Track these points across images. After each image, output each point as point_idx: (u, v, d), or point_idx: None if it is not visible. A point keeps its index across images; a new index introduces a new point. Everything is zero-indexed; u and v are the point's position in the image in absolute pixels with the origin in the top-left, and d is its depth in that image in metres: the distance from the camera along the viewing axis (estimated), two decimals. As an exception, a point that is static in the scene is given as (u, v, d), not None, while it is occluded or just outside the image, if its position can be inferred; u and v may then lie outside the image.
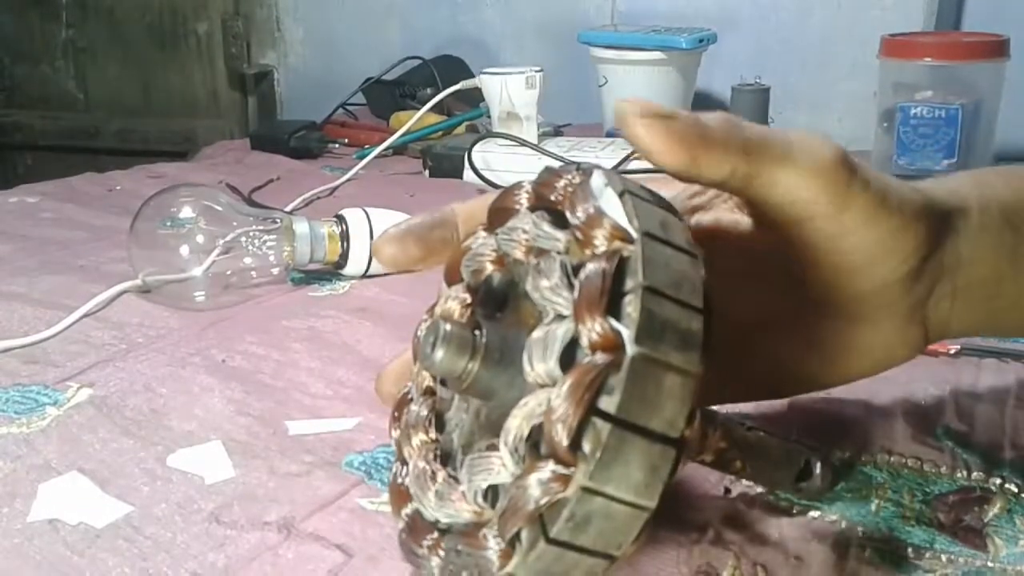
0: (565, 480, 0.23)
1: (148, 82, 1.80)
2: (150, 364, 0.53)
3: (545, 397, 0.24)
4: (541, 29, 1.44)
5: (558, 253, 0.26)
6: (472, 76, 1.09)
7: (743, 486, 0.39)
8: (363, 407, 0.47)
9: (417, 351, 0.33)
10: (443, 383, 0.32)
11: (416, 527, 0.29)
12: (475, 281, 0.31)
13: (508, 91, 0.99)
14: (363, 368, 0.52)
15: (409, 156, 1.11)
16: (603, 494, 0.23)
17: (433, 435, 0.31)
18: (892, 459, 0.41)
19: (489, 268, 0.30)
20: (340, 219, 0.67)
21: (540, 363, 0.24)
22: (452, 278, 0.33)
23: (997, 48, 0.93)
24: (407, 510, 0.30)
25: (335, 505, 0.38)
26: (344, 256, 0.66)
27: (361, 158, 1.02)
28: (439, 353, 0.27)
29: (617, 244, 0.24)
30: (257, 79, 1.70)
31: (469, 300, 0.31)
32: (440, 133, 1.14)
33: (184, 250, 0.63)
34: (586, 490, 0.23)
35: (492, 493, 0.26)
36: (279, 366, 0.53)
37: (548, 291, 0.25)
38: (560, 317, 0.25)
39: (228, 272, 0.64)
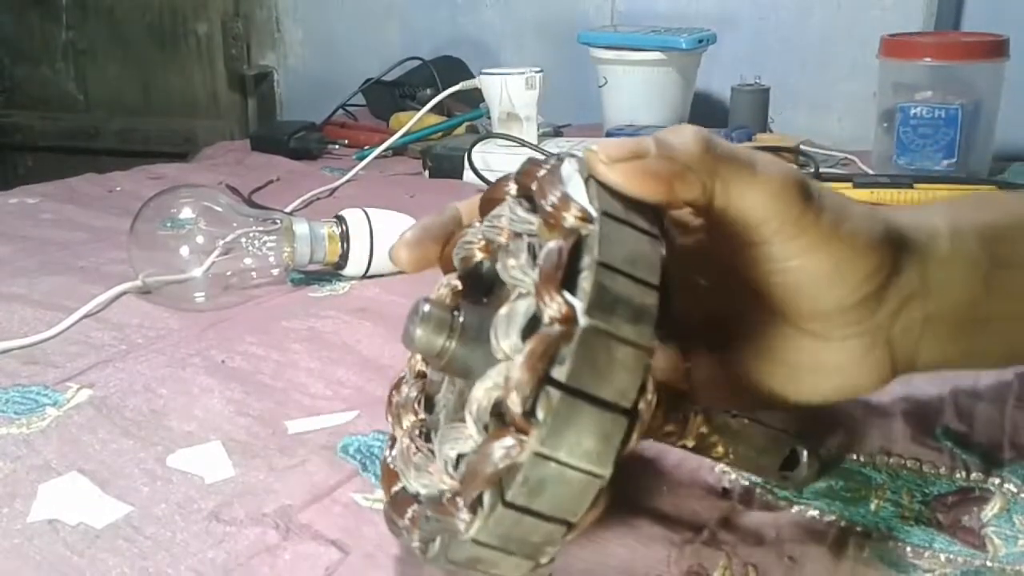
0: (522, 446, 0.24)
1: (148, 83, 1.80)
2: (150, 365, 0.53)
3: (506, 368, 0.25)
4: (541, 29, 1.44)
5: (529, 235, 0.28)
6: (472, 77, 1.09)
7: (741, 486, 0.39)
8: (363, 407, 0.47)
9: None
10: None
11: (399, 500, 0.30)
12: (464, 268, 0.32)
13: (508, 91, 0.99)
14: (363, 368, 0.52)
15: (409, 157, 1.11)
16: (555, 459, 0.23)
17: (422, 415, 0.32)
18: (891, 460, 0.41)
19: (478, 255, 0.32)
20: (340, 220, 0.67)
21: (504, 338, 0.25)
22: (447, 267, 0.34)
23: (997, 48, 0.93)
24: (395, 488, 0.31)
25: (330, 499, 0.39)
26: (344, 257, 0.66)
27: (361, 159, 1.02)
28: (418, 331, 0.28)
29: (578, 224, 0.26)
30: (257, 80, 1.70)
31: (460, 287, 0.32)
32: (440, 134, 1.14)
33: (184, 251, 0.63)
34: (538, 455, 0.23)
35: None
36: (279, 367, 0.53)
37: (515, 270, 0.27)
38: (525, 294, 0.26)
39: (228, 273, 0.64)
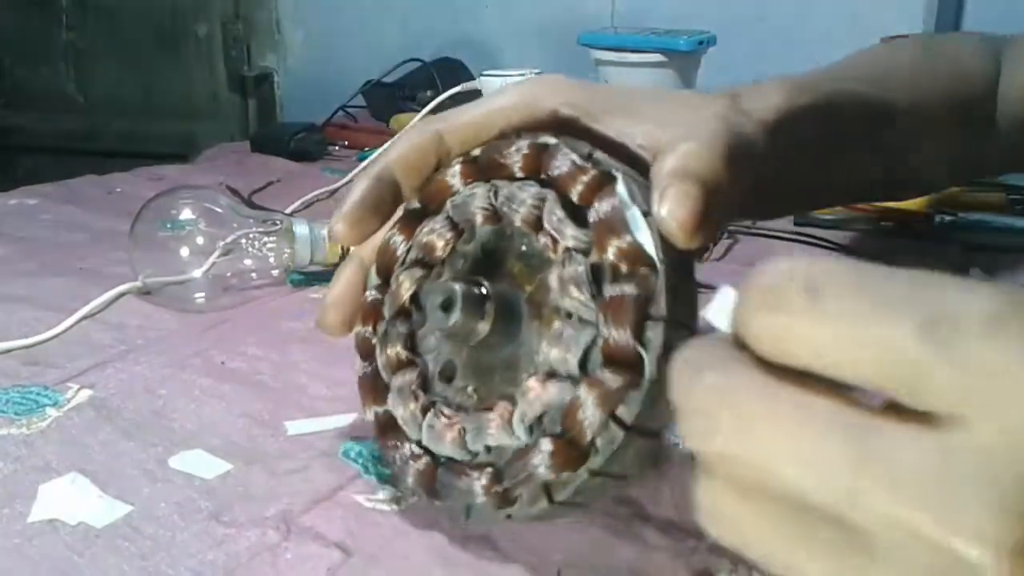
0: (576, 463, 0.28)
1: (148, 84, 1.81)
2: (150, 366, 0.53)
3: (570, 393, 0.28)
4: (541, 31, 1.44)
5: (583, 255, 0.29)
6: (472, 78, 1.09)
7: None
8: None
9: (388, 265, 0.36)
10: (418, 305, 0.34)
11: (384, 424, 0.35)
12: (461, 220, 0.34)
13: (508, 93, 0.99)
14: (363, 369, 0.52)
15: (409, 158, 1.11)
16: (605, 474, 0.28)
17: (407, 355, 0.34)
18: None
19: (479, 220, 0.33)
20: (340, 220, 0.67)
21: (561, 361, 0.29)
22: (431, 201, 0.35)
23: (996, 49, 0.93)
24: (378, 409, 0.35)
25: (333, 500, 0.39)
26: (344, 258, 0.66)
27: (361, 160, 1.02)
28: (455, 316, 0.30)
29: (644, 271, 0.28)
30: (257, 81, 1.70)
31: (450, 237, 0.34)
32: (440, 135, 1.14)
33: (184, 252, 0.63)
34: (593, 472, 0.28)
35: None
36: (278, 367, 0.53)
37: (576, 302, 0.29)
38: (582, 320, 0.28)
39: (228, 274, 0.64)
